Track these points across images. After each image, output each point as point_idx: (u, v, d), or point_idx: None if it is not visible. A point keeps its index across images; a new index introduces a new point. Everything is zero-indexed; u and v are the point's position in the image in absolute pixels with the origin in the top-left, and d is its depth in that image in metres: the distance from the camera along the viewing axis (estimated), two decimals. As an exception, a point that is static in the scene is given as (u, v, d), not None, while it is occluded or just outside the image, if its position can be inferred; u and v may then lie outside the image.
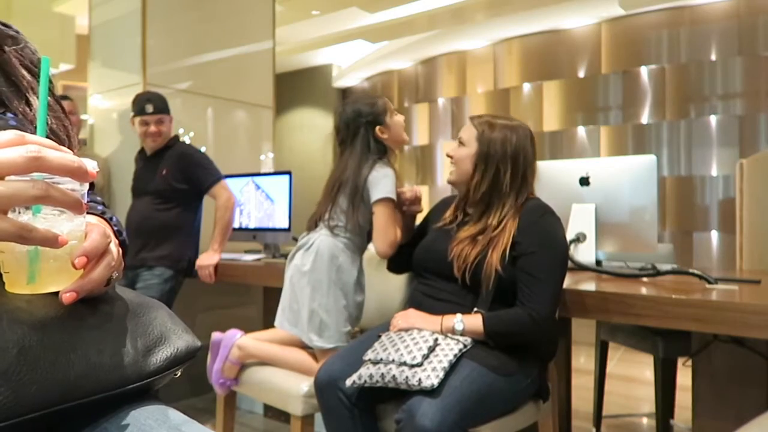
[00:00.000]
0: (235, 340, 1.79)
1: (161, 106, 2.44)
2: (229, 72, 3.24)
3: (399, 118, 1.84)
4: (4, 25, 0.66)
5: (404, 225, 1.79)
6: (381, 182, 1.72)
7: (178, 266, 2.42)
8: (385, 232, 1.70)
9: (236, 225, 2.74)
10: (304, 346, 1.78)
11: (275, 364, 1.78)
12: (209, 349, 1.87)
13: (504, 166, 1.50)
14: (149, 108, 2.41)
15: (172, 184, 2.42)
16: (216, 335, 1.85)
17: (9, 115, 0.60)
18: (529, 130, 1.57)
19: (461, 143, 1.58)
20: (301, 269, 1.77)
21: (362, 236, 1.82)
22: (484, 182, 1.51)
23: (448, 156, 1.62)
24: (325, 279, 1.72)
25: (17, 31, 0.68)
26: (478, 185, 1.51)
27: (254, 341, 1.80)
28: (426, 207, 1.81)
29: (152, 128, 2.42)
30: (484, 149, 1.51)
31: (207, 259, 2.37)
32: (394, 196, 1.72)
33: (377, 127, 1.78)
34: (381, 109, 1.79)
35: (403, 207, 1.79)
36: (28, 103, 0.63)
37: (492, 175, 1.50)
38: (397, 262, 1.77)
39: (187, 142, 2.91)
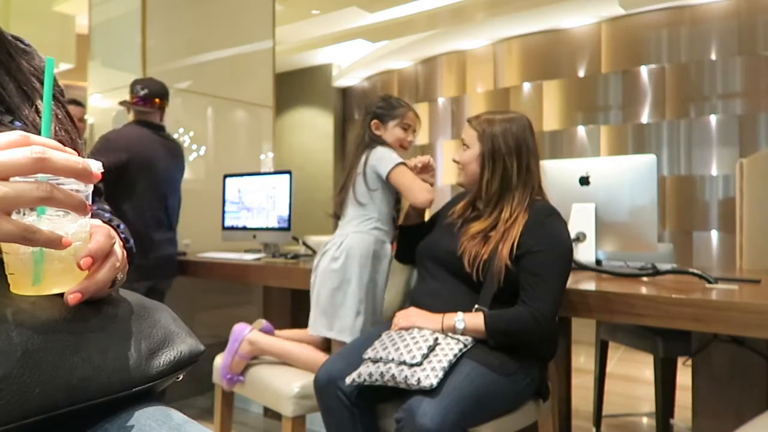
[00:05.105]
0: (245, 335, 1.79)
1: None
2: (229, 72, 3.24)
3: (399, 132, 1.85)
4: (15, 38, 0.67)
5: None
6: (383, 158, 1.77)
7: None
8: (412, 187, 1.72)
9: (236, 225, 2.74)
10: (318, 345, 1.80)
11: (287, 360, 1.78)
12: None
13: (510, 159, 1.53)
14: None
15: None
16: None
17: (17, 123, 0.61)
18: (527, 120, 1.58)
19: (465, 146, 1.60)
20: (332, 269, 1.77)
21: (390, 222, 1.84)
22: (495, 179, 1.53)
23: (454, 161, 1.63)
24: (366, 275, 1.74)
25: (28, 44, 0.69)
26: (490, 183, 1.54)
27: (265, 336, 1.80)
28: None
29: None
30: (489, 147, 1.54)
31: None
32: (403, 160, 1.76)
33: (374, 121, 1.84)
34: (391, 111, 1.85)
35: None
36: (38, 112, 0.64)
37: (501, 170, 1.53)
38: (405, 246, 1.78)
39: (187, 141, 2.91)
